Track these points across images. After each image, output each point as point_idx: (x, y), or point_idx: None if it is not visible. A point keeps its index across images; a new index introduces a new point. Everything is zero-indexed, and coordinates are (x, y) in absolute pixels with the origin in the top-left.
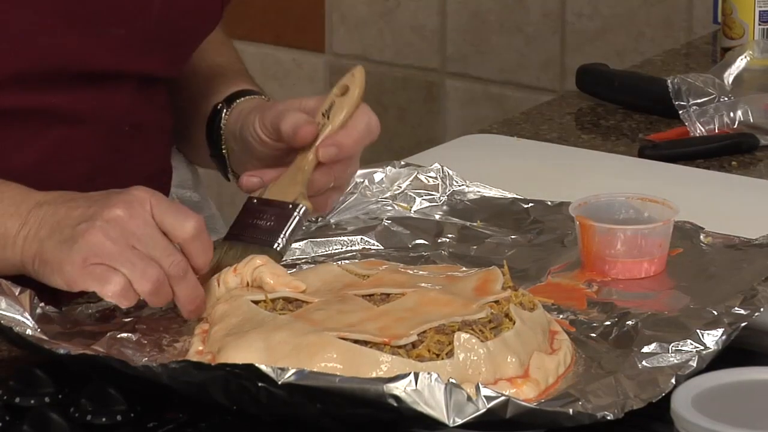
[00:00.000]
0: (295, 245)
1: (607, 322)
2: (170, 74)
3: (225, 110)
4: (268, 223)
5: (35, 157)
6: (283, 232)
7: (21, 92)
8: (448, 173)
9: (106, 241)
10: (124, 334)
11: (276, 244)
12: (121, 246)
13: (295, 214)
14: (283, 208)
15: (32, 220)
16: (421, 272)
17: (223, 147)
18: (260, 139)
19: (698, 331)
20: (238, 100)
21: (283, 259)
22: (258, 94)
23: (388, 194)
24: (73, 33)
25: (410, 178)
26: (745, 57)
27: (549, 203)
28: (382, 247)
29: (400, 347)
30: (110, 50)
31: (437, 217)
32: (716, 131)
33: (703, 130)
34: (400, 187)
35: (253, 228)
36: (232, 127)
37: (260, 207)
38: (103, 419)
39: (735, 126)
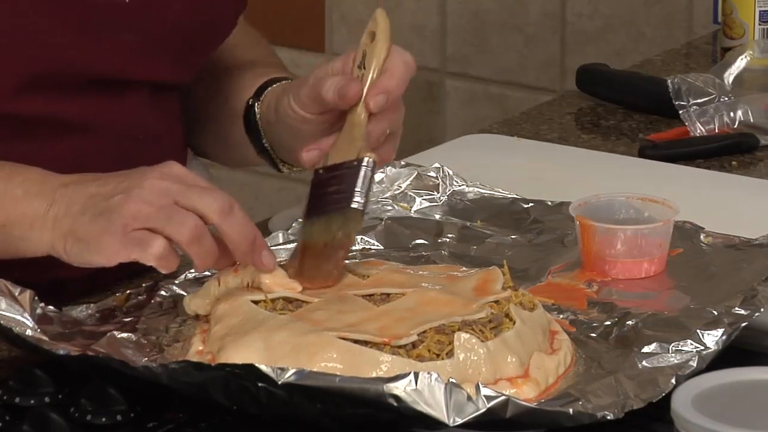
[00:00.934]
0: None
1: (607, 322)
2: (181, 81)
3: (256, 104)
4: (340, 187)
5: (49, 166)
6: (357, 189)
7: (31, 99)
8: (448, 173)
9: (144, 205)
10: (124, 334)
11: (354, 203)
12: (158, 206)
13: (363, 167)
14: (349, 167)
15: (60, 200)
16: (421, 272)
17: (264, 140)
18: (302, 117)
19: (698, 331)
20: (266, 90)
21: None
22: (286, 80)
23: (388, 194)
24: (81, 37)
25: (410, 178)
26: (745, 57)
27: (549, 203)
28: (382, 247)
29: (400, 347)
30: (119, 56)
31: (437, 217)
32: (716, 131)
33: (703, 130)
34: (400, 187)
35: (326, 197)
36: (266, 117)
37: (327, 175)
38: (103, 419)
39: (735, 126)
